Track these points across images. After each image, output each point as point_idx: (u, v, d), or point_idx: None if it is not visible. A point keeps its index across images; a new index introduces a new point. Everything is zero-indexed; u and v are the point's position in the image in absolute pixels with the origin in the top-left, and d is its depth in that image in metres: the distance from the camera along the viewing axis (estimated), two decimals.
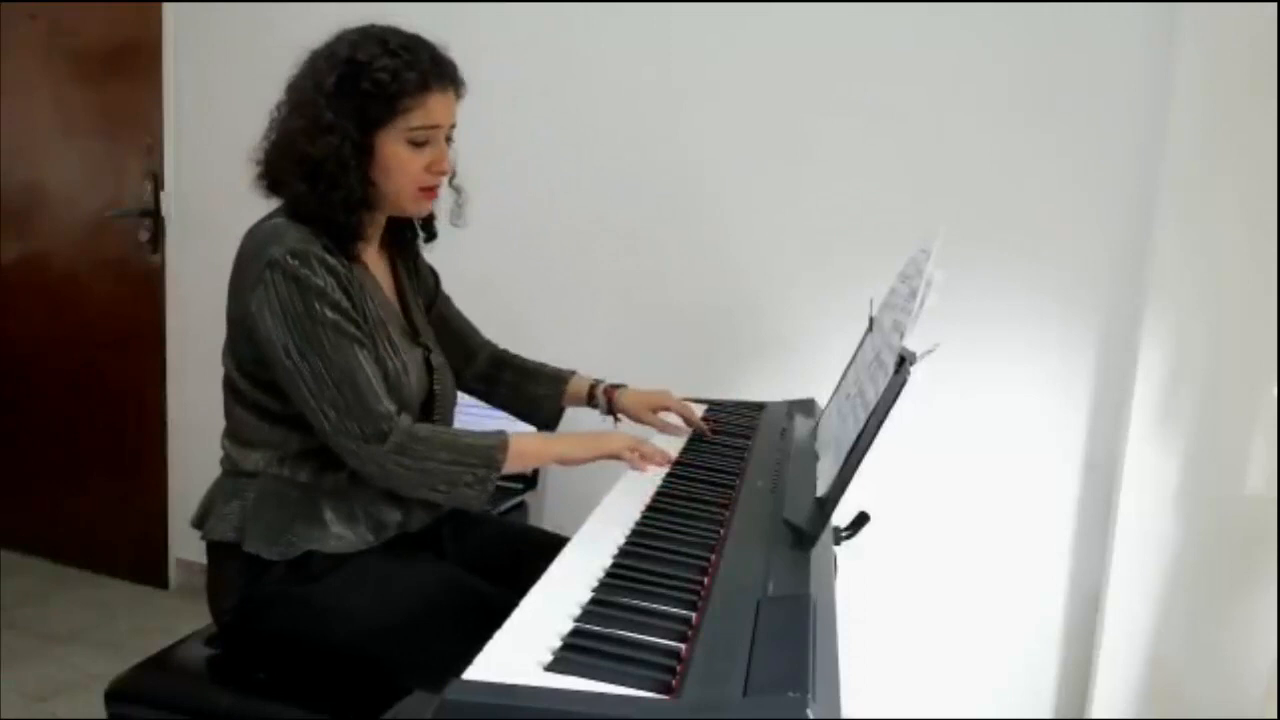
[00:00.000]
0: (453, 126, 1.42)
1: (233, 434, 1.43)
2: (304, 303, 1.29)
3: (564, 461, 1.44)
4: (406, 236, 1.56)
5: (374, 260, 1.48)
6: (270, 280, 1.29)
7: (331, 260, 1.32)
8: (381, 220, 1.48)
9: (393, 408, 1.32)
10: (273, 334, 1.30)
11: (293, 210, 1.36)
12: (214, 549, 1.42)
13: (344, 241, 1.36)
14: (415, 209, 1.44)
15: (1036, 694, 2.12)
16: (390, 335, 1.41)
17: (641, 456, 1.44)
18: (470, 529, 1.61)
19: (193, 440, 2.80)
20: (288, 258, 1.29)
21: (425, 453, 1.31)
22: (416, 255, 1.61)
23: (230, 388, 1.42)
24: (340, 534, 1.38)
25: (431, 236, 1.59)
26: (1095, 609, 2.02)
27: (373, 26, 1.38)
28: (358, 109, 1.33)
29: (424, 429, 1.35)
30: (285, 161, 1.36)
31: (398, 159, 1.36)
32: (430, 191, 1.42)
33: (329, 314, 1.29)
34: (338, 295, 1.31)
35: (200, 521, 1.42)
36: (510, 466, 1.36)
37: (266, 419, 1.38)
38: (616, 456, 1.44)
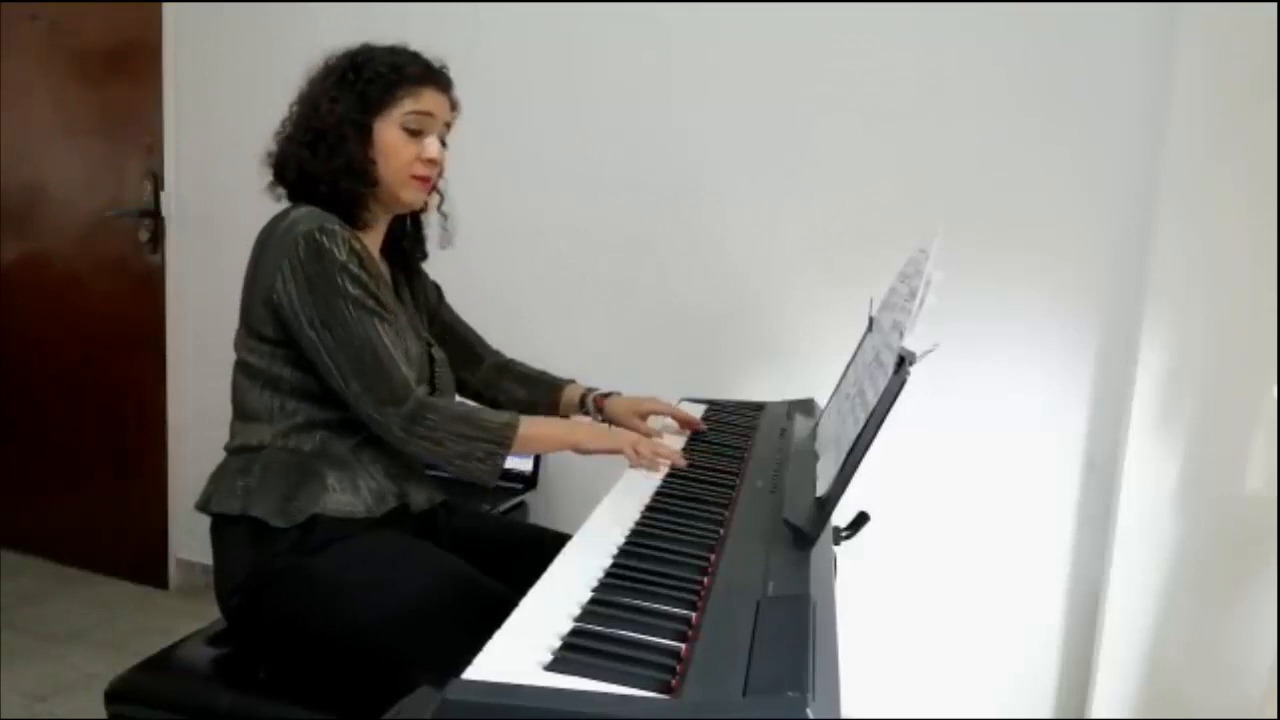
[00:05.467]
0: (447, 126, 1.50)
1: (241, 412, 1.47)
2: (327, 276, 1.36)
3: (577, 448, 1.48)
4: (404, 247, 1.62)
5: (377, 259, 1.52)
6: (298, 254, 1.36)
7: (355, 242, 1.39)
8: (382, 217, 1.52)
9: (411, 378, 1.39)
10: (297, 305, 1.36)
11: (306, 198, 1.44)
12: (219, 524, 1.43)
13: (350, 210, 1.44)
14: (408, 196, 1.49)
15: (1036, 694, 2.12)
16: (398, 322, 1.46)
17: (639, 455, 1.46)
18: (469, 526, 1.61)
19: (193, 440, 2.80)
20: (316, 233, 1.37)
21: (439, 423, 1.38)
22: (417, 271, 1.67)
23: (244, 368, 1.45)
24: (341, 497, 1.40)
25: (423, 257, 1.66)
26: (1095, 609, 2.02)
27: (374, 44, 1.50)
28: (360, 94, 1.44)
29: (439, 401, 1.43)
30: (293, 142, 1.47)
31: (393, 144, 1.45)
32: (423, 181, 1.49)
33: (351, 288, 1.36)
34: (360, 271, 1.38)
35: (205, 503, 1.44)
36: (521, 448, 1.42)
37: (280, 392, 1.42)
38: (621, 452, 1.48)
